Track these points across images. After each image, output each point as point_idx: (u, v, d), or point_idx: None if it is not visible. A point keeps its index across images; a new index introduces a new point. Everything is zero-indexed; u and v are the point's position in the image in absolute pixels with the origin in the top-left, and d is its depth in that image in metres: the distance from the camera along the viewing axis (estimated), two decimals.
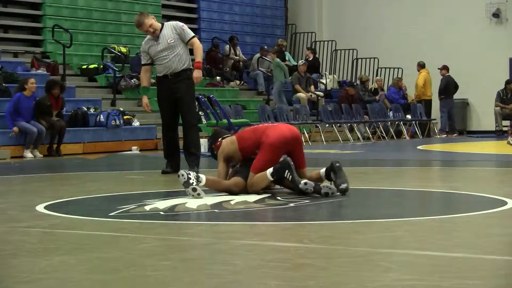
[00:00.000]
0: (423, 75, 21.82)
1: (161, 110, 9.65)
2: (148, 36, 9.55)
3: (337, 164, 6.78)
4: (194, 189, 6.53)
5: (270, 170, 6.65)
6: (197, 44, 9.53)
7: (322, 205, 6.35)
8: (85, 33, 19.05)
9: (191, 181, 6.55)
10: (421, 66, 21.97)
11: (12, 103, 13.85)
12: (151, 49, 9.46)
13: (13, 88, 14.52)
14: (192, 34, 9.56)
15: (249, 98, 20.43)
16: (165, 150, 9.66)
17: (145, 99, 9.76)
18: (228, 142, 6.95)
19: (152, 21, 9.41)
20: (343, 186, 6.69)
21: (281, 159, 6.73)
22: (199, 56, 9.56)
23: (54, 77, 16.20)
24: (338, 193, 6.68)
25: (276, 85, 19.83)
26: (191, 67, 9.61)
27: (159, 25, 9.46)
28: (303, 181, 6.62)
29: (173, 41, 9.38)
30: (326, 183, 6.75)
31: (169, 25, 9.53)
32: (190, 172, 6.64)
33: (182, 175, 6.58)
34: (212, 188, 6.87)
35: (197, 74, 9.51)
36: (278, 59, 20.34)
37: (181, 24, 9.56)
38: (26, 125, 13.78)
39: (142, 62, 9.75)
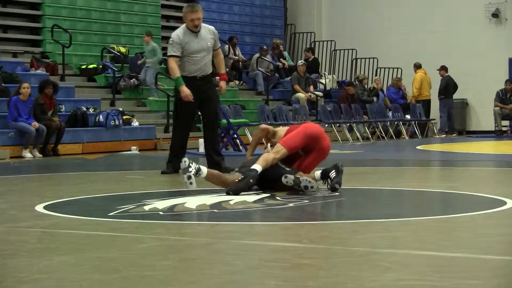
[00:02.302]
0: (420, 75, 21.83)
1: (181, 109, 9.36)
2: (184, 29, 9.20)
3: (342, 168, 6.94)
4: (189, 177, 6.86)
5: (257, 167, 6.84)
6: (221, 55, 9.54)
7: (321, 205, 6.36)
8: (84, 33, 19.03)
9: (190, 169, 6.86)
10: (417, 67, 21.98)
11: (12, 108, 13.83)
12: (189, 45, 9.13)
13: (12, 88, 14.51)
14: (219, 44, 9.52)
15: (248, 98, 20.42)
16: (175, 148, 9.49)
17: (187, 89, 9.13)
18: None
19: (202, 16, 9.18)
20: (337, 186, 6.92)
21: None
22: (223, 67, 9.53)
23: (51, 77, 16.17)
24: (320, 191, 6.79)
25: (151, 71, 17.76)
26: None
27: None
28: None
29: (210, 45, 9.23)
30: (309, 178, 6.81)
31: (206, 27, 9.30)
32: (193, 162, 6.94)
33: (185, 161, 6.92)
34: (212, 181, 7.06)
35: (224, 85, 9.51)
36: (154, 43, 18.32)
37: (216, 30, 9.42)
38: (24, 125, 13.77)
39: (173, 53, 9.18)
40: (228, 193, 6.73)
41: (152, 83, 17.56)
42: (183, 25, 9.28)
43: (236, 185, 6.79)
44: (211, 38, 9.25)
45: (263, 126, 7.57)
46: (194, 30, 9.14)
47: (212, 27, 9.41)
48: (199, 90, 9.24)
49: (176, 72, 9.21)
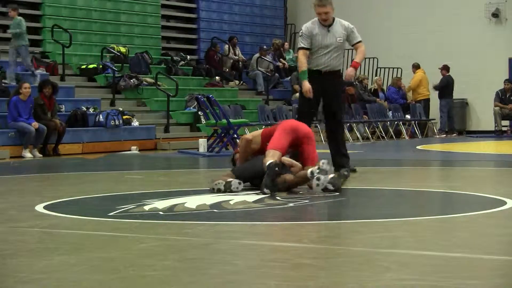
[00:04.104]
0: (419, 75, 21.84)
1: (303, 102, 9.06)
2: (316, 22, 8.99)
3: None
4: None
5: (268, 162, 6.91)
6: (361, 48, 9.11)
7: (322, 205, 6.36)
8: (84, 33, 19.04)
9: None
10: (416, 67, 21.97)
11: (12, 108, 13.82)
12: (318, 37, 8.90)
13: (12, 88, 14.51)
14: (360, 38, 9.13)
15: (248, 98, 20.42)
16: None
17: (307, 85, 8.88)
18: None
19: (330, 10, 8.89)
20: (330, 186, 6.86)
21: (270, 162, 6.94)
22: (359, 57, 9.12)
23: (51, 77, 16.17)
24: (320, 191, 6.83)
25: (24, 50, 15.59)
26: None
27: (332, 18, 8.99)
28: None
29: (341, 40, 8.99)
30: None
31: (340, 22, 9.07)
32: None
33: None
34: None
35: (349, 71, 9.08)
36: (19, 17, 15.82)
37: (352, 25, 9.12)
38: (23, 125, 13.76)
39: (302, 45, 9.01)
40: (264, 192, 6.76)
41: (29, 65, 15.91)
42: (316, 17, 9.03)
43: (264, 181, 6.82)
44: (344, 33, 8.98)
45: (246, 136, 7.62)
46: (323, 23, 8.91)
47: (347, 23, 9.10)
48: (322, 85, 8.93)
49: (302, 65, 8.97)
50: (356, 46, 9.12)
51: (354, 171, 9.07)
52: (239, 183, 7.03)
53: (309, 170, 6.89)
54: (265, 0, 24.15)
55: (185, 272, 3.79)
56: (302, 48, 8.99)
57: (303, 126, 7.45)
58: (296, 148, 7.31)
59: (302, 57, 8.99)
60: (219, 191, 6.98)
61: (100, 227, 5.35)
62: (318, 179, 6.80)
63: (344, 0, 24.96)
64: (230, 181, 7.01)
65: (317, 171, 6.81)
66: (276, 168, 6.81)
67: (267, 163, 6.88)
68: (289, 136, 7.22)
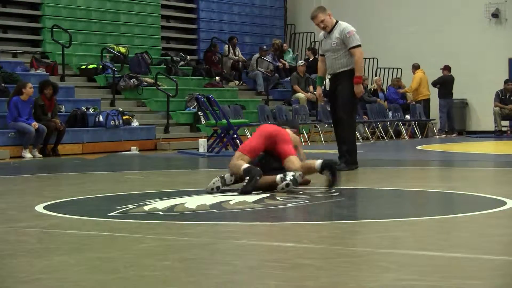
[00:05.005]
0: (419, 75, 21.84)
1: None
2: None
3: (336, 167, 6.93)
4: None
5: (245, 166, 6.98)
6: (356, 55, 9.21)
7: (321, 205, 6.36)
8: (84, 33, 19.04)
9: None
10: (416, 67, 21.97)
11: (12, 109, 13.82)
12: (322, 43, 9.55)
13: (12, 88, 14.51)
14: (356, 43, 9.25)
15: (248, 98, 20.42)
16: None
17: (318, 90, 9.99)
18: None
19: (325, 17, 9.23)
20: (332, 189, 6.93)
21: (249, 167, 7.01)
22: (356, 70, 9.25)
23: (51, 77, 16.18)
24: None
25: None
26: (352, 68, 9.30)
27: (332, 22, 9.29)
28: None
29: (335, 45, 9.27)
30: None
31: (340, 27, 9.31)
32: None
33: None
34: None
35: (357, 89, 9.25)
36: None
37: (348, 30, 9.26)
38: (23, 125, 13.76)
39: (319, 52, 9.92)
40: (241, 194, 6.83)
41: None
42: None
43: (244, 187, 6.87)
44: (339, 37, 9.26)
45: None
46: (324, 31, 9.45)
47: (345, 26, 9.32)
48: (332, 86, 9.61)
49: (317, 71, 9.90)
50: (351, 52, 9.30)
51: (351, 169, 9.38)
52: (231, 175, 7.11)
53: (279, 176, 6.99)
54: (265, 0, 24.15)
55: (185, 272, 3.79)
56: (320, 54, 9.90)
57: (278, 129, 7.42)
58: (273, 149, 7.31)
59: (318, 63, 9.84)
60: (218, 188, 7.01)
61: (100, 227, 5.34)
62: (286, 183, 6.92)
63: (344, 0, 25.00)
64: (224, 175, 7.08)
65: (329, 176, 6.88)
66: (258, 178, 6.84)
67: (243, 167, 6.96)
68: (262, 139, 7.25)
